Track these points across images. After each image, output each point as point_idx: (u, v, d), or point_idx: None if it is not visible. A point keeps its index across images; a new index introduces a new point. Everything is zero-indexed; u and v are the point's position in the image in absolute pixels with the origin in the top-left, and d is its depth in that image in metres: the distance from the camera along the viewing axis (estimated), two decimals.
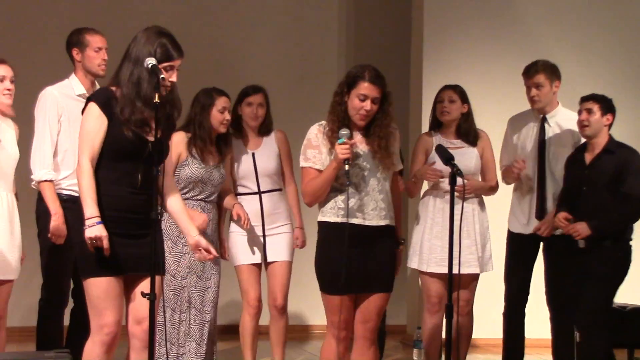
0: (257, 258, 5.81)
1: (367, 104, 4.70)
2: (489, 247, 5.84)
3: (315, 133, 4.79)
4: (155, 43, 4.16)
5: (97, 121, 4.15)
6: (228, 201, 5.79)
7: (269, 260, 5.82)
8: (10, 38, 7.57)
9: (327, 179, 4.68)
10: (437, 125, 5.88)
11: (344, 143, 4.61)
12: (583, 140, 5.80)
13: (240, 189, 5.87)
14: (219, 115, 5.64)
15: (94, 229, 4.07)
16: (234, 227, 5.82)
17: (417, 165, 5.83)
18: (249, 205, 5.79)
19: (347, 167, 4.60)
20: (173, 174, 4.49)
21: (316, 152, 4.76)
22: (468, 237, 5.68)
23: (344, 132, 4.65)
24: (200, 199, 5.65)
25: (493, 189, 5.93)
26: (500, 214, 6.14)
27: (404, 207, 5.23)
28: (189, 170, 5.57)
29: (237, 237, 5.82)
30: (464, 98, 5.85)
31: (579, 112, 5.67)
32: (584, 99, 5.70)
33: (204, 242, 4.34)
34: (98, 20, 5.68)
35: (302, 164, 4.79)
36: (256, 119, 5.82)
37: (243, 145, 5.86)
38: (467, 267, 5.63)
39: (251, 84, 5.93)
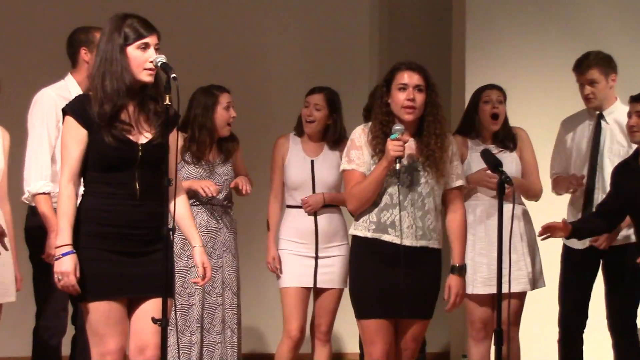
0: (307, 282, 5.57)
1: (410, 92, 4.52)
2: (539, 260, 5.60)
3: (360, 134, 4.67)
4: (122, 26, 4.00)
5: (73, 135, 4.00)
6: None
7: (319, 286, 5.58)
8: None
9: (377, 180, 4.51)
10: (470, 128, 5.62)
11: (397, 139, 4.44)
12: None
13: (291, 201, 5.63)
14: (224, 113, 5.47)
15: (61, 263, 3.92)
16: (283, 244, 5.60)
17: None
18: (301, 221, 5.56)
19: (398, 165, 4.44)
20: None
21: (360, 153, 4.62)
22: (515, 251, 5.38)
23: (398, 127, 4.50)
24: (206, 202, 5.43)
25: (536, 193, 5.64)
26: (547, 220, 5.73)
27: None
28: (186, 171, 5.38)
29: (285, 256, 5.58)
30: (506, 98, 5.64)
31: (629, 115, 5.37)
32: (634, 100, 5.37)
33: (198, 257, 4.17)
34: (96, 19, 5.47)
35: (345, 166, 4.66)
36: (309, 123, 5.60)
37: (301, 149, 5.64)
38: (516, 285, 5.38)
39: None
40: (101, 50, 4.03)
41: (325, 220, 5.55)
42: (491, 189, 5.39)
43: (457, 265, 4.68)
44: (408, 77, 4.55)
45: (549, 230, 5.19)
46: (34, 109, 5.13)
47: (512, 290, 5.16)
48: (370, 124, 4.67)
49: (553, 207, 5.77)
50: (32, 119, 5.12)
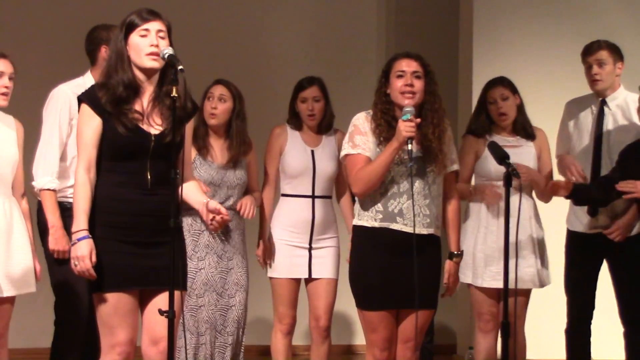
0: (298, 273, 5.61)
1: (408, 78, 4.56)
2: (547, 258, 5.61)
3: (363, 120, 4.68)
4: (126, 20, 4.09)
5: (89, 123, 4.06)
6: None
7: (313, 276, 5.61)
8: (13, 32, 7.47)
9: (386, 161, 4.52)
10: (483, 126, 5.63)
11: (409, 120, 4.47)
12: None
13: (289, 189, 5.66)
14: (206, 104, 5.48)
15: (76, 248, 3.96)
16: (277, 232, 5.61)
17: (466, 170, 5.59)
18: (298, 210, 5.59)
19: (409, 146, 4.45)
20: (191, 164, 4.44)
21: (365, 139, 4.64)
22: (526, 247, 5.48)
23: (409, 108, 4.52)
24: None
25: (547, 193, 5.60)
26: (553, 216, 5.87)
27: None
28: (197, 173, 5.34)
29: (279, 246, 5.61)
30: (514, 89, 5.63)
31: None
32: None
33: (212, 203, 4.12)
34: (106, 15, 5.51)
35: (349, 151, 4.66)
36: (312, 117, 5.64)
37: (301, 139, 5.67)
38: (525, 282, 5.43)
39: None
40: (109, 48, 4.18)
41: (322, 210, 5.60)
42: (489, 202, 5.46)
43: (456, 252, 4.79)
44: (406, 65, 4.59)
45: (553, 189, 5.23)
46: (49, 105, 5.16)
47: (522, 287, 5.29)
48: (371, 111, 4.69)
49: (557, 200, 5.74)
50: (46, 114, 5.15)
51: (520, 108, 5.63)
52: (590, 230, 5.64)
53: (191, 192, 4.21)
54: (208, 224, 4.15)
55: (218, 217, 4.08)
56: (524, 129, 5.60)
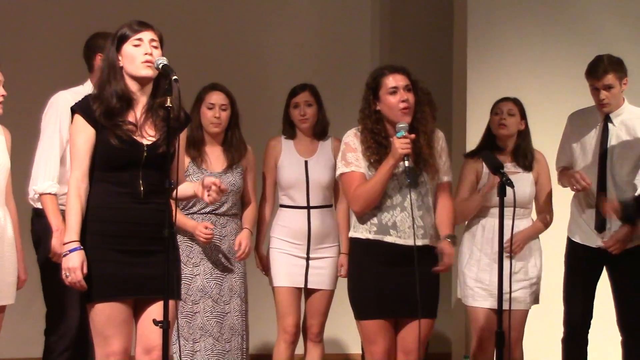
0: (298, 282, 5.61)
1: (402, 94, 4.57)
2: (540, 280, 5.63)
3: (352, 137, 4.71)
4: (117, 33, 4.13)
5: (83, 134, 4.08)
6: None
7: (309, 286, 5.63)
8: (6, 40, 7.43)
9: (383, 179, 4.55)
10: (489, 146, 5.59)
11: (403, 137, 4.49)
12: None
13: (285, 201, 5.67)
14: (207, 113, 5.47)
15: (68, 259, 3.97)
16: (275, 243, 5.63)
17: (466, 187, 5.58)
18: (294, 220, 5.60)
19: (407, 163, 4.49)
20: (184, 174, 4.45)
21: (357, 155, 4.67)
22: (520, 270, 5.51)
23: (402, 125, 4.54)
24: (209, 212, 5.40)
25: (545, 226, 5.67)
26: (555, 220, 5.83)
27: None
28: (190, 180, 5.28)
29: (278, 255, 5.62)
30: (523, 114, 5.64)
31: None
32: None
33: (207, 179, 4.13)
34: (102, 20, 5.51)
35: (343, 169, 4.69)
36: (305, 121, 5.65)
37: (295, 150, 5.68)
38: (518, 303, 5.46)
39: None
40: (103, 60, 4.20)
41: (318, 220, 5.60)
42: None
43: (449, 233, 4.68)
44: (395, 80, 4.61)
45: (608, 214, 5.24)
46: (50, 110, 5.15)
47: (516, 308, 5.31)
48: (361, 127, 4.71)
49: (556, 207, 5.79)
50: (47, 120, 5.14)
51: (525, 135, 5.61)
52: (592, 244, 5.63)
53: (185, 187, 4.24)
54: (205, 199, 4.14)
55: (214, 187, 4.08)
56: (525, 156, 5.58)
